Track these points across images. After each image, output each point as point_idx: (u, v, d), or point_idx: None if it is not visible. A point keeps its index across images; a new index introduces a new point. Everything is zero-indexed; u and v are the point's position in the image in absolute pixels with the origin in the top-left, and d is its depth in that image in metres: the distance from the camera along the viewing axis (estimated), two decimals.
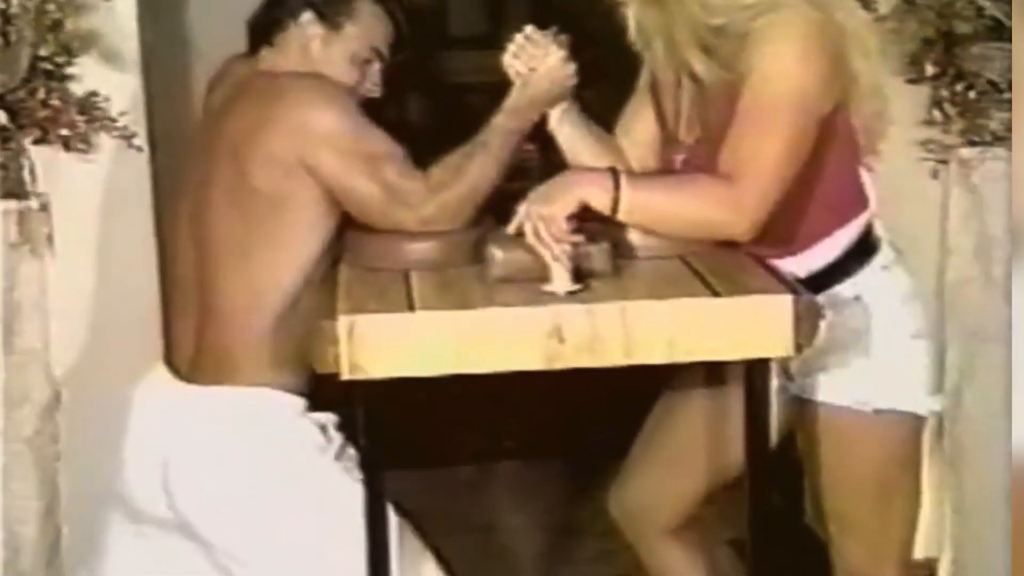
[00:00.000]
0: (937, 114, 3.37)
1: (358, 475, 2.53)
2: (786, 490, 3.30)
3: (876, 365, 2.53)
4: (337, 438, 2.62)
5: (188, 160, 2.72)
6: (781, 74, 2.37)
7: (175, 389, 2.64)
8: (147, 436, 2.64)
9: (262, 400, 2.58)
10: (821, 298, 2.36)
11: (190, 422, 2.60)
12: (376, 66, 2.67)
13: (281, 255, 2.54)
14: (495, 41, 2.69)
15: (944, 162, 3.40)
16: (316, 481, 2.58)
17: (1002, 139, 3.37)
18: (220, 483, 2.57)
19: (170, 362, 2.68)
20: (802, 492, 3.49)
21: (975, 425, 3.38)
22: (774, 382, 2.42)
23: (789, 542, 2.68)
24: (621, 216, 2.41)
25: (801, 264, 2.51)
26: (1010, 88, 3.33)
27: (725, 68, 2.41)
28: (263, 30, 2.66)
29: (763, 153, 2.37)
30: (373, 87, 2.67)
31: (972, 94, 3.34)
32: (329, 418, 2.61)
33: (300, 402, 2.60)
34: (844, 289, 2.52)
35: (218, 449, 2.58)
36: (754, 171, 2.37)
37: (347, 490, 2.53)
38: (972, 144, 3.38)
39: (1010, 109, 3.37)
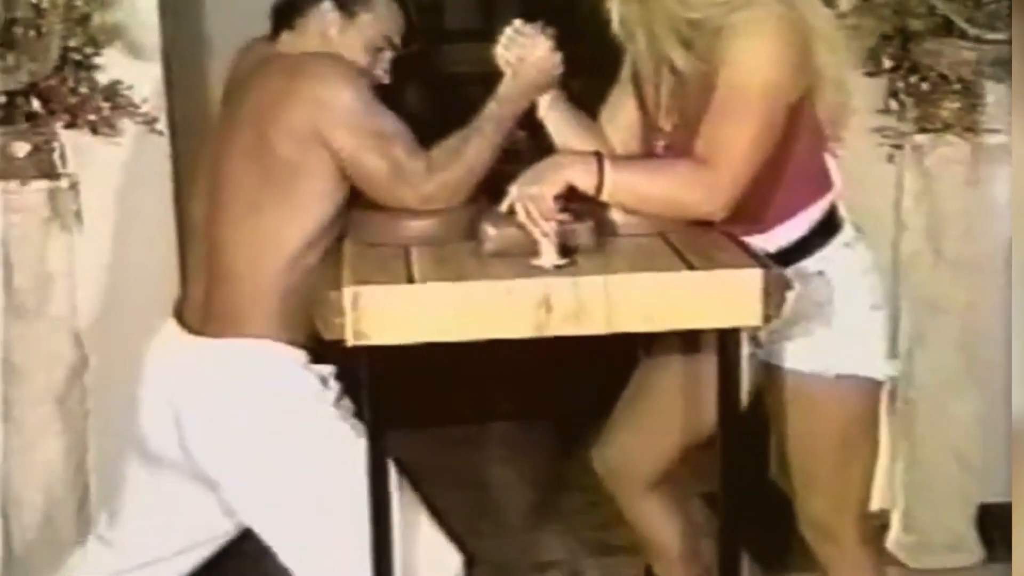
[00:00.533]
0: (893, 104, 3.38)
1: (354, 422, 2.54)
2: (753, 448, 3.31)
3: (838, 334, 2.52)
4: (335, 388, 2.60)
5: (210, 130, 2.70)
6: (753, 66, 2.36)
7: (185, 341, 2.61)
8: (159, 385, 2.62)
9: (266, 351, 2.55)
10: (789, 272, 2.35)
11: (198, 372, 2.58)
12: (387, 54, 2.64)
13: (290, 218, 2.51)
14: (487, 34, 2.67)
15: (899, 147, 3.41)
16: (315, 427, 2.56)
17: (951, 127, 3.37)
18: (226, 428, 2.55)
19: (180, 316, 2.66)
20: (767, 450, 3.52)
21: (925, 388, 3.38)
22: (745, 349, 2.40)
23: (755, 495, 2.68)
24: (605, 196, 2.39)
25: (770, 241, 2.50)
26: (959, 80, 3.34)
27: (702, 60, 2.40)
28: (286, 14, 2.64)
29: (736, 139, 2.36)
30: (383, 74, 2.65)
31: (925, 86, 3.35)
32: (328, 370, 2.59)
33: (301, 355, 2.57)
34: (810, 264, 2.50)
35: (224, 397, 2.56)
36: (727, 156, 2.36)
37: (344, 436, 2.53)
38: (924, 131, 3.39)
39: (960, 99, 3.37)
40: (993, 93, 3.38)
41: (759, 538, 2.85)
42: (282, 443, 2.55)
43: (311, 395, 2.57)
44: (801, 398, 2.55)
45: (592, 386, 3.38)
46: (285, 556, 2.60)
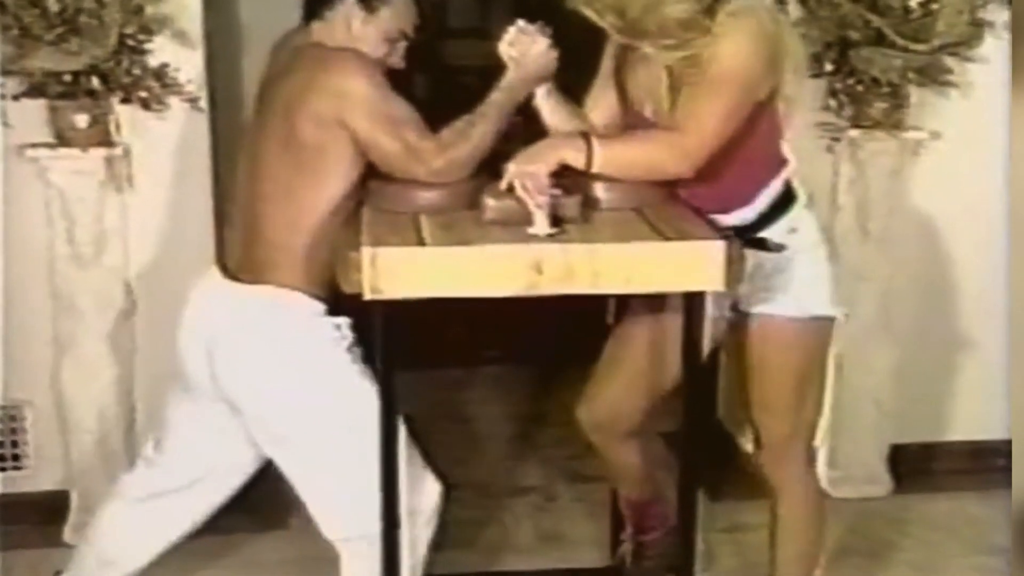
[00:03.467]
0: (832, 102, 3.35)
1: (363, 366, 2.51)
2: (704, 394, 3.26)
3: (802, 282, 2.49)
4: (349, 335, 2.55)
5: (250, 115, 2.65)
6: (734, 62, 2.32)
7: (222, 285, 2.57)
8: (197, 322, 2.58)
9: (291, 299, 2.51)
10: (765, 234, 2.36)
11: (230, 311, 2.54)
12: (402, 44, 2.60)
13: (316, 192, 2.48)
14: (485, 32, 2.69)
15: (837, 140, 3.38)
16: (328, 366, 2.52)
17: (880, 124, 3.33)
18: (250, 362, 2.51)
19: (222, 265, 2.62)
20: (716, 395, 3.48)
21: (852, 344, 3.33)
22: (709, 311, 2.35)
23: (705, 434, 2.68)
24: (595, 169, 2.36)
25: (740, 217, 2.46)
26: (888, 84, 3.28)
27: (688, 59, 2.35)
28: (315, 7, 2.59)
29: (706, 111, 2.33)
30: (398, 60, 2.60)
31: (859, 87, 3.32)
32: (343, 320, 2.54)
33: (321, 306, 2.53)
34: (782, 225, 2.48)
35: (251, 335, 2.52)
36: (697, 125, 2.33)
37: (356, 377, 2.49)
38: (858, 127, 3.35)
39: (888, 100, 3.32)
40: (916, 95, 3.34)
41: (706, 470, 2.80)
42: (298, 379, 2.51)
43: (327, 339, 2.52)
44: (771, 337, 2.52)
45: (565, 337, 3.36)
46: (295, 478, 2.56)
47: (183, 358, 2.59)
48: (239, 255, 2.57)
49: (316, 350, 2.52)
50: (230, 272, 2.57)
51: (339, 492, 2.50)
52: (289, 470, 2.55)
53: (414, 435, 2.56)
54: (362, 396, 2.43)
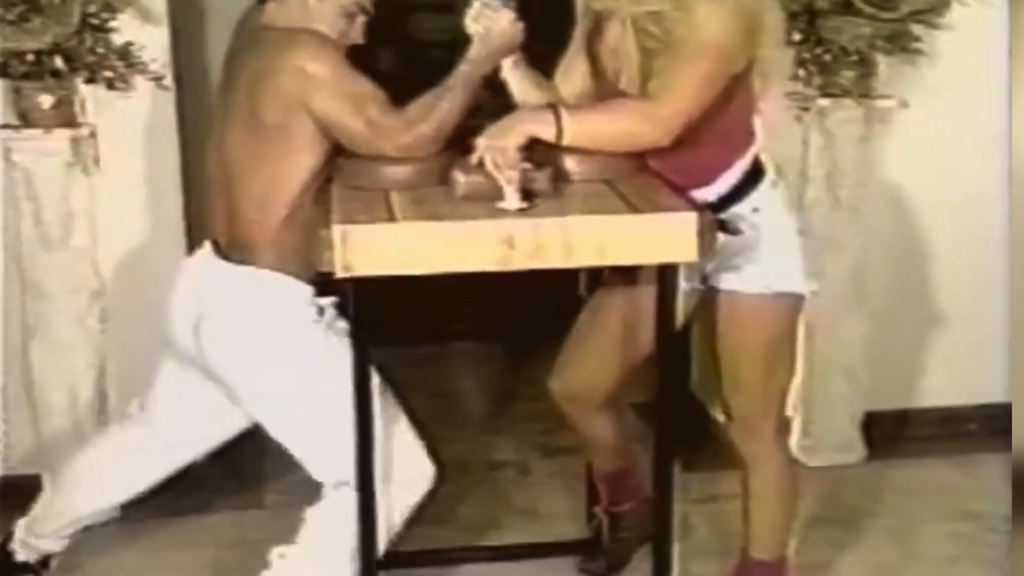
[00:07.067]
0: (801, 72, 3.33)
1: (345, 342, 2.50)
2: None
3: (771, 257, 2.48)
4: (331, 314, 2.57)
5: (216, 93, 2.65)
6: (711, 33, 2.29)
7: (211, 263, 2.59)
8: (186, 297, 2.60)
9: (273, 281, 2.53)
10: (731, 211, 2.34)
11: (217, 289, 2.56)
12: (360, 19, 2.58)
13: (283, 172, 2.48)
14: (451, 6, 2.63)
15: (806, 109, 3.36)
16: (311, 350, 2.54)
17: (849, 92, 3.32)
18: (236, 343, 2.53)
19: (214, 240, 2.63)
20: (689, 367, 3.48)
21: (823, 313, 3.33)
22: (682, 283, 2.35)
23: (679, 405, 2.64)
24: (566, 142, 2.34)
25: (712, 191, 2.45)
26: (856, 53, 3.28)
27: (655, 18, 2.33)
28: None
29: (682, 82, 2.30)
30: (358, 36, 2.59)
31: (828, 57, 3.29)
32: (327, 301, 2.56)
33: (303, 286, 2.54)
34: (746, 203, 2.46)
35: (236, 316, 2.54)
36: (671, 94, 2.30)
37: (336, 353, 2.48)
38: (827, 96, 3.34)
39: (856, 69, 3.32)
40: (884, 63, 3.32)
41: (681, 441, 2.81)
42: (279, 360, 2.52)
43: (308, 321, 2.54)
44: (739, 313, 2.51)
45: (537, 312, 3.35)
46: (280, 439, 2.59)
47: (171, 329, 2.61)
48: (225, 233, 2.58)
49: (297, 332, 2.53)
50: (221, 250, 2.58)
51: (324, 440, 2.50)
52: (272, 431, 2.58)
53: (410, 412, 2.60)
54: (342, 369, 2.42)
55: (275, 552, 2.56)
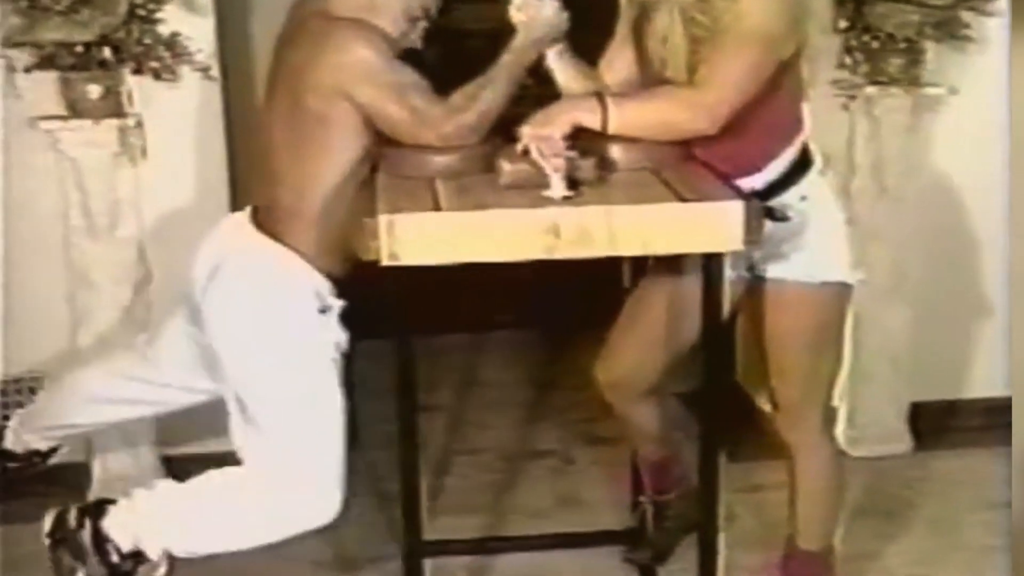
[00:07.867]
0: (848, 60, 3.31)
1: (346, 336, 2.53)
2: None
3: (818, 247, 2.47)
4: (332, 315, 2.55)
5: (264, 81, 2.65)
6: (757, 21, 2.28)
7: (243, 228, 2.59)
8: (214, 244, 2.61)
9: (292, 260, 2.53)
10: (778, 199, 2.32)
11: (240, 249, 2.57)
12: (422, 23, 2.59)
13: (325, 163, 2.48)
14: None
15: (853, 98, 3.34)
16: (300, 334, 2.53)
17: (896, 80, 3.30)
18: (232, 312, 2.54)
19: (254, 208, 2.64)
20: (735, 357, 3.47)
21: (868, 302, 3.32)
22: (727, 272, 2.33)
23: (725, 395, 2.60)
24: (611, 130, 2.33)
25: (760, 179, 2.43)
26: (904, 40, 3.25)
27: (715, 21, 2.31)
28: None
29: (727, 68, 2.29)
30: (416, 40, 2.60)
31: (875, 44, 3.28)
32: (336, 303, 2.56)
33: (320, 276, 2.54)
34: (793, 192, 2.45)
35: (242, 286, 2.54)
36: (718, 81, 2.29)
37: (319, 356, 2.50)
38: (874, 84, 3.32)
39: (904, 57, 3.29)
40: (933, 50, 3.30)
41: (726, 431, 2.80)
42: (268, 335, 2.52)
43: (308, 308, 2.53)
44: (785, 302, 2.49)
45: (578, 301, 3.35)
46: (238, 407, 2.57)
47: (190, 278, 2.62)
48: (263, 208, 2.59)
49: (291, 316, 2.53)
50: (257, 220, 2.59)
51: (274, 428, 2.50)
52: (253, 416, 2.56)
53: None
54: (315, 377, 2.48)
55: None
